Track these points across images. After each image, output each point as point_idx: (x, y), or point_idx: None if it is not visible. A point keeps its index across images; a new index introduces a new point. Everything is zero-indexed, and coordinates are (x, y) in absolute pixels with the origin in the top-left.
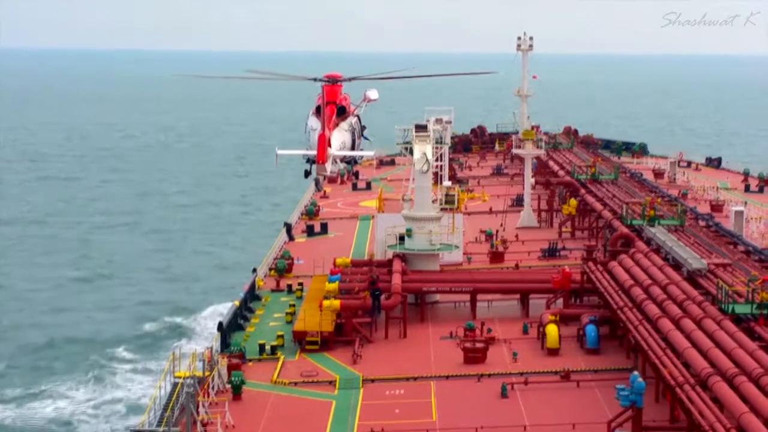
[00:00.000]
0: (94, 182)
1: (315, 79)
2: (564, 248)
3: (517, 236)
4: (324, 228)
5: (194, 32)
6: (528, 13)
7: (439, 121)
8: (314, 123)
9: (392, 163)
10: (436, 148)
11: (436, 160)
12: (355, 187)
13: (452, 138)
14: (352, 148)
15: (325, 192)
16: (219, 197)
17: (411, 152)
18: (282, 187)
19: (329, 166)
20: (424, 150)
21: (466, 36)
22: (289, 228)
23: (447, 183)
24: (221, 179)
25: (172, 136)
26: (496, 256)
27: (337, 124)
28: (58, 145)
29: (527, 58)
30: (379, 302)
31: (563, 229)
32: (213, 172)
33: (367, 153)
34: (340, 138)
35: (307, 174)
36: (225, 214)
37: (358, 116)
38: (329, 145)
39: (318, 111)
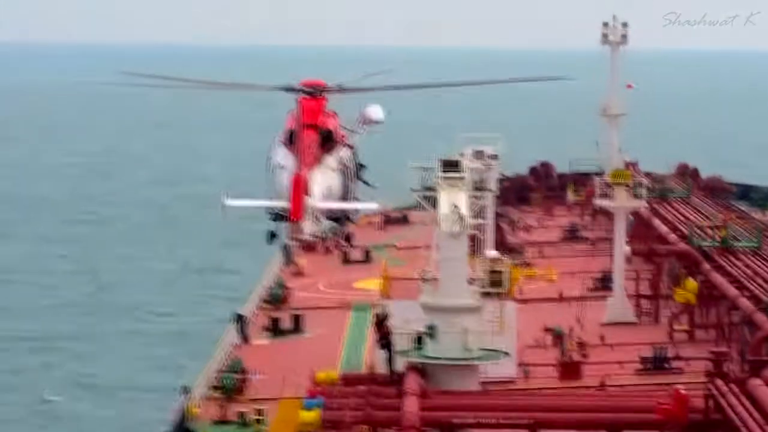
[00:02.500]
0: None
1: (287, 89)
2: (677, 357)
3: (602, 338)
4: (297, 323)
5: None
6: None
7: (479, 155)
8: (283, 157)
9: (404, 220)
10: (475, 197)
11: (474, 216)
12: (346, 260)
13: (500, 181)
14: (344, 197)
15: (299, 267)
16: (134, 277)
17: (434, 204)
18: (232, 259)
19: (308, 226)
20: (455, 200)
21: (518, 26)
22: (242, 323)
23: (492, 253)
24: (136, 248)
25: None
26: (570, 369)
27: (320, 160)
28: None
29: (618, 56)
30: (391, 354)
31: (676, 326)
32: (125, 237)
33: (368, 205)
34: (325, 181)
35: (272, 236)
36: (143, 302)
37: (352, 147)
38: (308, 193)
39: (290, 139)
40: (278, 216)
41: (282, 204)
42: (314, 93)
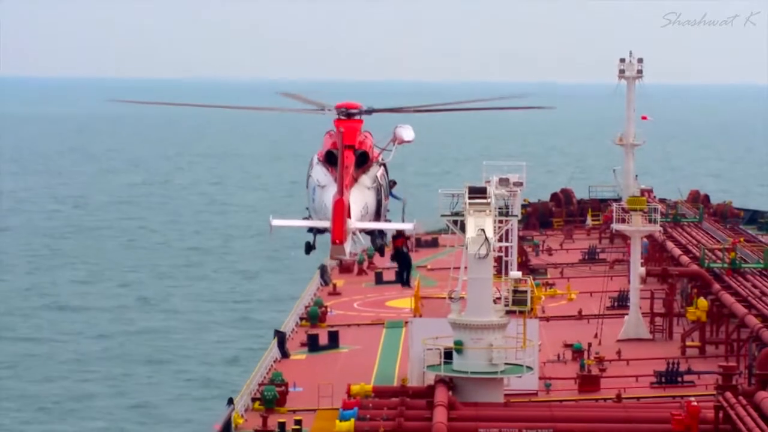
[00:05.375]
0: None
1: (324, 111)
2: (689, 371)
3: (619, 353)
4: (333, 339)
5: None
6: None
7: (504, 181)
8: (322, 176)
9: (434, 243)
10: (500, 221)
11: (500, 239)
12: (379, 280)
13: (524, 207)
14: (378, 213)
15: (335, 286)
16: (182, 295)
17: (462, 228)
18: (271, 278)
19: (349, 246)
20: (481, 225)
21: (532, 63)
22: (281, 339)
23: (516, 273)
24: (180, 269)
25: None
26: (588, 382)
27: (356, 179)
28: None
29: (634, 89)
30: (408, 270)
31: (688, 343)
32: (169, 261)
33: (404, 225)
34: (361, 200)
35: (309, 248)
36: (187, 318)
37: (384, 165)
38: (348, 215)
39: (328, 158)
40: (316, 231)
41: (324, 224)
42: (350, 115)
